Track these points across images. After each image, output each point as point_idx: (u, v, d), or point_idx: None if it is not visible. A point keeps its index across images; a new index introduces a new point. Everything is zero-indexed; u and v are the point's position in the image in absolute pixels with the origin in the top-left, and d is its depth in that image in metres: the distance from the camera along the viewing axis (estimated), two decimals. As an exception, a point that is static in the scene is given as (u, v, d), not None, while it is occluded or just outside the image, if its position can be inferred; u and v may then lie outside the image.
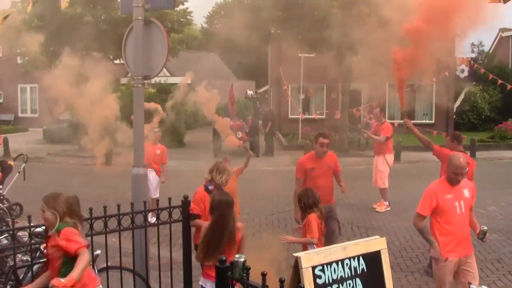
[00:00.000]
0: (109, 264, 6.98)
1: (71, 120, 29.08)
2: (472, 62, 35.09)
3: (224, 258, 4.47)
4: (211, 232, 6.10)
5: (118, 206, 6.74)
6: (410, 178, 18.46)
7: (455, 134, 9.60)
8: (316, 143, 9.29)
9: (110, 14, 25.06)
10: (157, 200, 7.54)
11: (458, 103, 36.03)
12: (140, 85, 7.39)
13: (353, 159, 23.31)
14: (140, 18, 7.31)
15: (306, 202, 7.58)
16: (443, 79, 29.24)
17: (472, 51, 39.57)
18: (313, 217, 7.42)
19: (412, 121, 9.98)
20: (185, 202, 6.96)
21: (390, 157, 14.25)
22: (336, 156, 9.90)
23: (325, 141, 9.18)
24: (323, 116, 34.09)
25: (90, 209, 6.61)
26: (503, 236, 11.54)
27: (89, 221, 6.47)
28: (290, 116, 34.91)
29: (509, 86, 28.26)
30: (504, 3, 6.95)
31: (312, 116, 33.02)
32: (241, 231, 6.31)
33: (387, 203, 14.12)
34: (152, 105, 13.21)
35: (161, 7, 7.91)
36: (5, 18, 15.70)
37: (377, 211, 13.92)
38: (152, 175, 12.67)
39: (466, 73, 35.20)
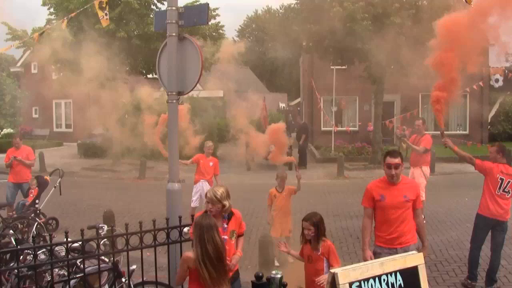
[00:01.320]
0: (144, 279, 7.03)
1: (105, 134, 29.48)
2: (506, 71, 34.65)
3: (260, 274, 4.46)
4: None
5: (154, 221, 6.79)
6: (444, 190, 18.28)
7: (501, 146, 9.42)
8: (383, 164, 7.32)
9: (143, 29, 25.31)
10: None
11: (492, 113, 35.57)
12: (174, 101, 7.43)
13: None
14: (174, 34, 7.36)
15: (324, 227, 6.87)
16: (477, 89, 28.90)
17: (507, 60, 38.94)
18: (331, 243, 6.85)
19: (446, 132, 9.77)
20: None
21: (427, 169, 13.98)
22: (419, 187, 7.78)
23: (393, 161, 7.10)
24: (356, 128, 33.95)
25: (126, 224, 6.66)
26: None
27: (125, 236, 6.52)
28: (322, 129, 34.79)
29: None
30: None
31: (345, 129, 32.88)
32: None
33: (423, 216, 13.89)
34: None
35: (195, 23, 7.92)
36: (40, 34, 16.00)
37: (412, 224, 13.76)
38: (206, 185, 13.45)
39: (500, 83, 34.78)
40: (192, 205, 13.48)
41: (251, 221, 13.76)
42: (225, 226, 6.60)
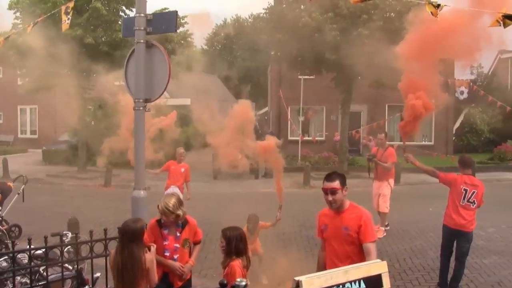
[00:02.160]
0: (109, 286, 6.97)
1: (70, 141, 29.26)
2: (471, 83, 35.25)
3: (225, 282, 4.45)
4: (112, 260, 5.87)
5: (119, 228, 6.74)
6: (409, 200, 18.48)
7: (460, 159, 9.59)
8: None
9: (111, 36, 25.11)
10: None
11: (457, 124, 36.11)
12: (141, 108, 7.40)
13: (352, 180, 23.26)
14: (142, 41, 7.34)
15: (238, 246, 6.21)
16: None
17: (471, 73, 39.79)
18: (237, 265, 6.05)
19: (411, 143, 9.94)
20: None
21: (392, 181, 14.18)
22: (368, 218, 5.88)
23: (329, 185, 5.80)
24: (323, 138, 34.10)
25: (91, 232, 6.60)
26: (503, 259, 11.45)
27: (89, 243, 6.47)
28: (289, 138, 34.86)
29: (508, 108, 28.37)
30: (505, 27, 7.00)
31: (311, 138, 33.01)
32: (148, 263, 5.84)
33: (384, 228, 13.82)
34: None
35: (163, 31, 7.87)
36: (6, 39, 15.79)
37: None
38: (176, 191, 13.15)
39: (465, 95, 35.38)
40: None
41: (218, 230, 13.67)
42: (178, 234, 6.57)
